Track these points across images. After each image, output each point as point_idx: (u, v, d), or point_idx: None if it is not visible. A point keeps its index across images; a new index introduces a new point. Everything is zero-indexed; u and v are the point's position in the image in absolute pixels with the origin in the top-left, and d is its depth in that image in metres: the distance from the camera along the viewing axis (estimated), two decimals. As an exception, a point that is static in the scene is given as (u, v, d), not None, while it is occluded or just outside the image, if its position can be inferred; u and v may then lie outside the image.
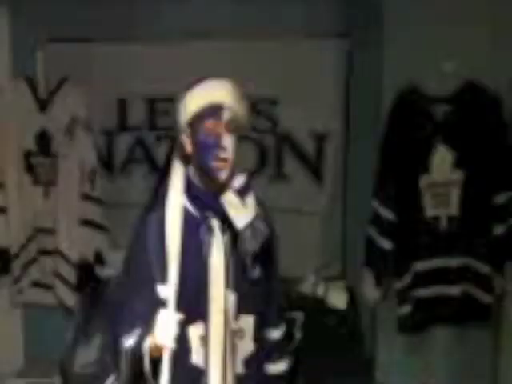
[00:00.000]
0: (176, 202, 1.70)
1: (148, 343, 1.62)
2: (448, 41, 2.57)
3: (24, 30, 3.27)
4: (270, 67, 3.12)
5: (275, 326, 1.88)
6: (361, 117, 3.10)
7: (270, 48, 3.16)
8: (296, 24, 3.11)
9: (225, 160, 1.64)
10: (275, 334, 1.88)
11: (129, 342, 1.65)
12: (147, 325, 1.63)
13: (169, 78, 3.19)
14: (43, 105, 3.20)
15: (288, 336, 1.97)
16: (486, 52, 2.61)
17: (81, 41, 3.29)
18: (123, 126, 3.38)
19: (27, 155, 3.24)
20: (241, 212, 1.68)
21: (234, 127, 1.67)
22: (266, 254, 1.78)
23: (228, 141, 1.64)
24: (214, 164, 1.64)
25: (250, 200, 1.72)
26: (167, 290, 1.63)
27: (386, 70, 2.77)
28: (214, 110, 1.65)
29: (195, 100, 1.68)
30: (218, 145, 1.63)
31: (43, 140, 3.21)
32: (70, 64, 3.28)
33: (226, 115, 1.65)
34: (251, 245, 1.69)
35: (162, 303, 1.64)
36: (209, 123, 1.65)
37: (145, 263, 1.69)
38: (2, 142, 3.21)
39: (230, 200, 1.68)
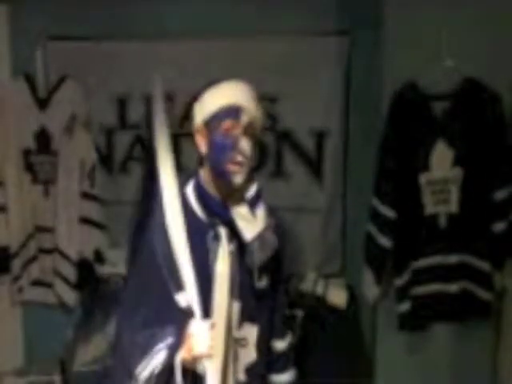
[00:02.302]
0: (175, 208, 1.66)
1: (179, 357, 1.58)
2: (448, 38, 2.57)
3: (23, 28, 3.27)
4: (270, 65, 3.11)
5: (280, 336, 1.89)
6: (360, 114, 3.10)
7: (269, 46, 3.15)
8: (296, 22, 3.11)
9: (240, 164, 1.61)
10: (280, 344, 1.89)
11: (158, 358, 1.60)
12: (177, 339, 1.59)
13: (169, 76, 3.19)
14: (43, 103, 3.20)
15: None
16: (486, 50, 2.61)
17: (81, 39, 3.28)
18: (123, 125, 3.37)
19: (26, 153, 3.24)
20: (250, 223, 1.65)
21: (251, 131, 1.64)
22: (274, 266, 1.77)
23: (245, 144, 1.61)
24: (229, 167, 1.60)
25: (260, 211, 1.68)
26: (187, 298, 1.60)
27: (385, 68, 2.77)
28: (233, 111, 1.62)
29: (214, 100, 1.66)
30: (234, 147, 1.60)
31: (43, 138, 3.21)
32: (70, 62, 3.28)
33: (244, 117, 1.62)
34: (259, 257, 1.66)
35: (183, 313, 1.62)
36: (227, 124, 1.62)
37: (159, 277, 1.65)
38: (1, 140, 3.21)
39: (239, 210, 1.65)
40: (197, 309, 1.60)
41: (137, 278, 1.74)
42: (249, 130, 1.64)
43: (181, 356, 1.58)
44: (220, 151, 1.62)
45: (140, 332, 1.64)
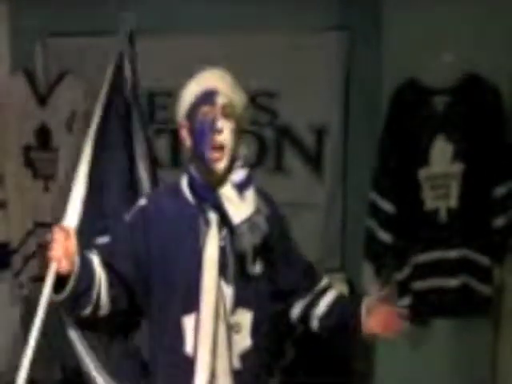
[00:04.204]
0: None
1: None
2: (448, 32, 2.58)
3: (23, 24, 3.28)
4: (270, 61, 3.12)
5: (321, 281, 1.92)
6: (360, 109, 3.11)
7: (269, 42, 3.16)
8: (296, 18, 3.12)
9: (221, 149, 1.64)
10: (322, 283, 1.92)
11: None
12: None
13: (168, 72, 3.20)
14: (43, 99, 3.21)
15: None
16: (486, 45, 2.61)
17: (80, 35, 3.29)
18: (123, 120, 3.37)
19: (27, 149, 3.25)
20: (238, 207, 1.67)
21: (229, 112, 1.68)
22: (269, 251, 1.77)
23: (224, 125, 1.65)
24: (211, 154, 1.64)
25: (250, 195, 1.71)
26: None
27: (385, 63, 2.78)
28: (207, 96, 1.67)
29: (190, 91, 1.71)
30: (213, 128, 1.64)
31: (43, 134, 3.22)
32: (70, 58, 3.28)
33: (220, 99, 1.66)
34: (248, 240, 1.67)
35: None
36: (204, 109, 1.66)
37: None
38: (1, 136, 3.21)
39: (227, 194, 1.68)
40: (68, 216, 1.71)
41: None
42: (227, 111, 1.67)
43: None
44: (200, 135, 1.66)
45: None
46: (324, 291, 1.90)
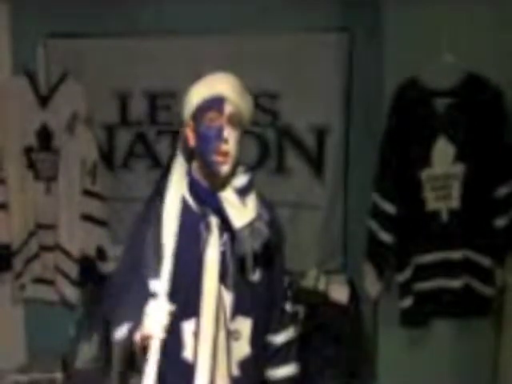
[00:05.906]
0: (175, 196, 1.71)
1: (138, 334, 1.60)
2: (449, 34, 2.57)
3: (25, 26, 3.28)
4: (271, 61, 3.12)
5: (277, 331, 1.87)
6: (361, 110, 3.10)
7: (270, 42, 3.15)
8: (296, 19, 3.11)
9: (226, 154, 1.64)
10: (277, 339, 1.87)
11: (119, 333, 1.64)
12: (138, 316, 1.61)
13: (170, 73, 3.21)
14: (44, 100, 3.21)
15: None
16: (487, 45, 2.61)
17: (82, 36, 3.29)
18: (124, 121, 3.37)
19: (28, 151, 3.25)
20: (239, 211, 1.67)
21: (236, 121, 1.67)
22: (269, 258, 1.76)
23: (230, 134, 1.65)
24: (215, 158, 1.64)
25: (251, 200, 1.71)
26: (159, 284, 1.62)
27: (386, 64, 2.77)
28: (216, 102, 1.66)
29: (198, 93, 1.70)
30: (219, 137, 1.63)
31: (44, 136, 3.22)
32: (71, 59, 3.28)
33: (228, 108, 1.66)
34: (249, 246, 1.67)
35: (153, 296, 1.63)
36: (211, 114, 1.65)
37: (141, 257, 1.70)
38: (2, 137, 3.21)
39: (229, 198, 1.68)
40: (162, 290, 1.61)
41: (128, 256, 1.79)
42: (234, 120, 1.67)
43: (139, 334, 1.60)
44: (205, 142, 1.66)
45: (120, 298, 1.72)
46: (279, 361, 1.88)
